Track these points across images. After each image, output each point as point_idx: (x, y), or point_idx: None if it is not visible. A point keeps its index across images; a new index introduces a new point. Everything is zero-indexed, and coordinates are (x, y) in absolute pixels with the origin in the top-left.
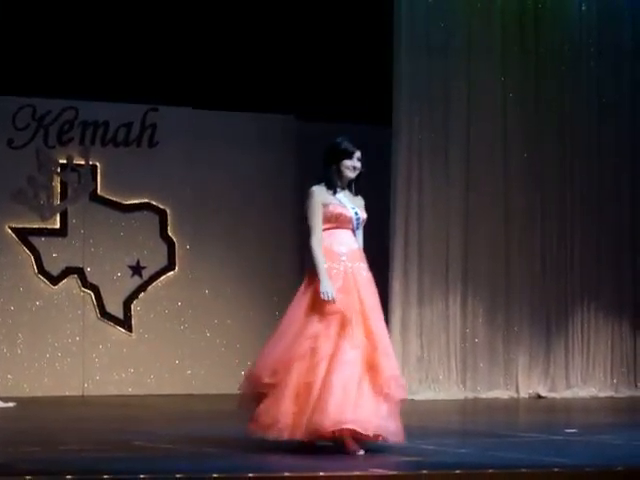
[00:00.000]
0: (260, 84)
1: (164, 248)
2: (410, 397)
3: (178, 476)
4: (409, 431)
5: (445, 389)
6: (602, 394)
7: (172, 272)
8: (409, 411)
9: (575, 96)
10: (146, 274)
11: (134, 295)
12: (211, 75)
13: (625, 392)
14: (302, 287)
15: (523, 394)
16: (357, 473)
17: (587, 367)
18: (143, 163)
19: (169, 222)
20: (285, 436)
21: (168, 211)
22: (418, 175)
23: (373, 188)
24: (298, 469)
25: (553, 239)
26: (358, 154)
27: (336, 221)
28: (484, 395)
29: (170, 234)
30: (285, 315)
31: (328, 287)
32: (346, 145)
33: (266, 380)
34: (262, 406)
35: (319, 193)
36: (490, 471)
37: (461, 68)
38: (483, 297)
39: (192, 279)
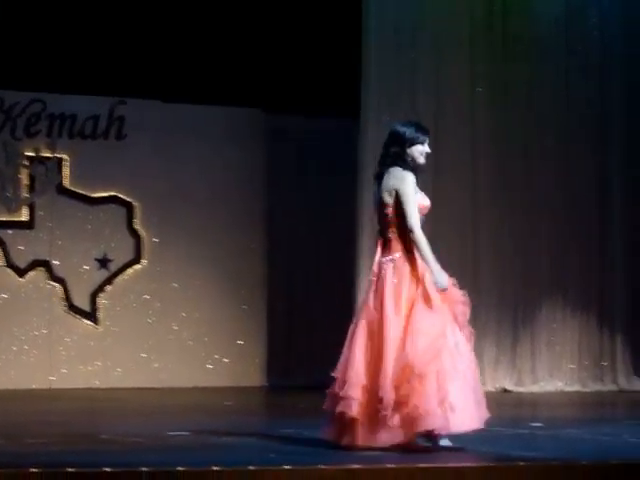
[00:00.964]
0: (228, 77)
1: (131, 241)
2: None
3: (143, 469)
4: None
5: None
6: (569, 388)
7: (139, 265)
8: None
9: (544, 90)
10: (113, 267)
11: (101, 288)
12: (179, 68)
13: (592, 386)
14: (392, 278)
15: (490, 388)
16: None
17: (554, 361)
18: (111, 156)
19: (136, 215)
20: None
21: (135, 204)
22: None
23: (340, 181)
24: (262, 463)
25: (521, 234)
26: (428, 139)
27: (420, 212)
28: None
29: (137, 227)
30: (384, 312)
31: (443, 276)
32: (421, 130)
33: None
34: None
35: (414, 179)
36: (451, 465)
37: (429, 63)
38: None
39: (159, 272)
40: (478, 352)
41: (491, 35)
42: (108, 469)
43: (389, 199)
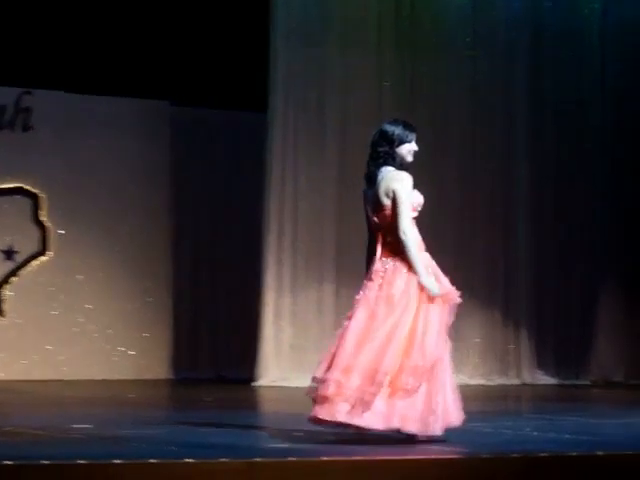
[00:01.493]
0: (135, 69)
1: (37, 233)
2: (284, 384)
3: (44, 462)
4: (283, 418)
5: None
6: (473, 382)
7: (45, 257)
8: (282, 398)
9: (450, 88)
10: (19, 258)
11: (6, 280)
12: (86, 59)
13: (496, 380)
14: (399, 279)
15: None
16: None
17: (459, 355)
18: (16, 147)
19: (42, 207)
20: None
21: (41, 196)
22: (293, 162)
23: (247, 174)
24: (164, 457)
25: (425, 232)
26: (415, 137)
27: (414, 210)
28: None
29: (43, 219)
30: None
31: (432, 282)
32: (408, 128)
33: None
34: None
35: (411, 180)
36: (355, 458)
37: (337, 55)
38: (357, 285)
39: (65, 264)
40: None
41: (398, 29)
42: (9, 462)
43: (386, 200)
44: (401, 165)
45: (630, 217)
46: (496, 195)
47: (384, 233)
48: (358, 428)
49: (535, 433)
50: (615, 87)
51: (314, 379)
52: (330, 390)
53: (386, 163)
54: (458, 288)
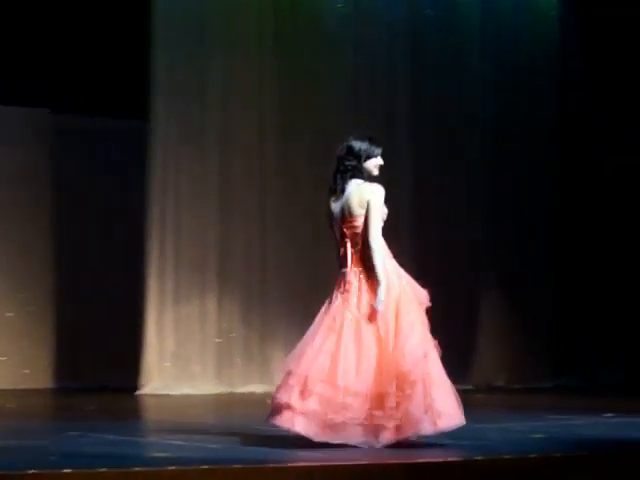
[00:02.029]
0: (14, 77)
1: None
2: (166, 393)
3: None
4: (161, 427)
5: (201, 385)
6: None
7: None
8: (165, 407)
9: (332, 93)
10: None
11: None
12: None
13: None
14: (360, 289)
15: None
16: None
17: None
18: None
19: None
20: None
21: None
22: (175, 170)
23: (130, 183)
24: (43, 467)
25: (309, 239)
26: (381, 152)
27: (382, 221)
28: (240, 390)
29: None
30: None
31: (382, 297)
32: (375, 143)
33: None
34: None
35: (383, 193)
36: (236, 466)
37: (218, 62)
38: (239, 294)
39: None
40: (268, 354)
41: (279, 35)
42: None
43: (360, 210)
44: (367, 178)
45: (510, 218)
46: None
47: (353, 243)
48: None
49: (415, 438)
50: (495, 85)
51: (297, 386)
52: (348, 417)
53: (354, 177)
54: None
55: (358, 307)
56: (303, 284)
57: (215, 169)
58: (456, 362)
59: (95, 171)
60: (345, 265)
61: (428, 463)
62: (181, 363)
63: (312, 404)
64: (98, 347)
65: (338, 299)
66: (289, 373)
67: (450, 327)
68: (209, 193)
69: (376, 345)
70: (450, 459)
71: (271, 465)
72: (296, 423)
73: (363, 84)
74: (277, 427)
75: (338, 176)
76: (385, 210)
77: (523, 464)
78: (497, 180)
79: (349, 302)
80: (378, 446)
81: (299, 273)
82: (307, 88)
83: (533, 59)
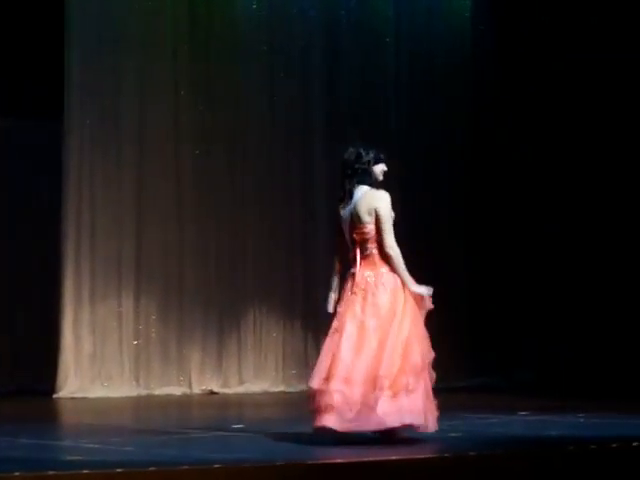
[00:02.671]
0: None
1: None
2: (83, 395)
3: None
4: (77, 430)
5: (118, 387)
6: (274, 389)
7: None
8: (81, 409)
9: (248, 95)
10: None
11: None
12: None
13: (296, 386)
14: (384, 289)
15: (196, 390)
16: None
17: (259, 363)
18: None
19: None
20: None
21: None
22: (90, 172)
23: (45, 184)
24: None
25: (226, 240)
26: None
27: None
28: (158, 392)
29: None
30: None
31: (421, 287)
32: (378, 151)
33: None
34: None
35: (390, 199)
36: (151, 469)
37: (133, 66)
38: (156, 295)
39: None
40: (185, 355)
41: (194, 38)
42: None
43: (368, 217)
44: (373, 183)
45: (422, 217)
46: (295, 208)
47: (362, 248)
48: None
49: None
50: (408, 89)
51: (312, 391)
52: (335, 399)
53: (362, 182)
54: (258, 296)
55: (363, 308)
56: (219, 285)
57: (131, 169)
58: None
59: (10, 172)
60: (354, 268)
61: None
62: (98, 365)
63: (328, 399)
64: (14, 350)
65: (344, 300)
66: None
67: None
68: (125, 193)
69: (377, 339)
70: (365, 459)
71: (186, 467)
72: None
73: (278, 86)
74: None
75: (346, 180)
76: (392, 214)
77: (439, 463)
78: (407, 181)
79: (355, 303)
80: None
81: (216, 273)
82: (223, 89)
83: (447, 59)
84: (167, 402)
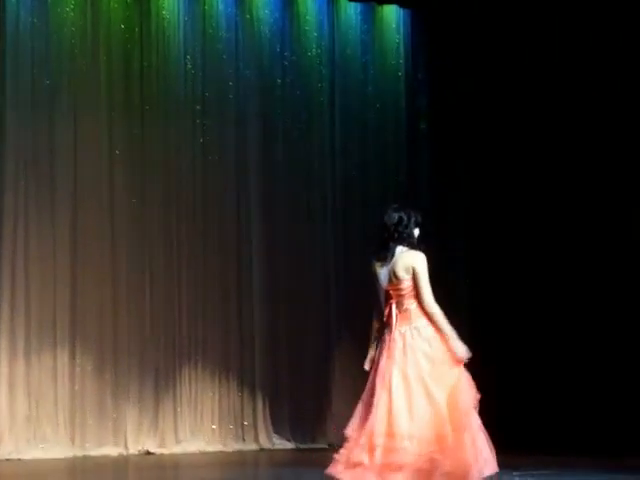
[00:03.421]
0: None
1: None
2: (18, 457)
3: None
4: None
5: (54, 447)
6: (211, 448)
7: None
8: (16, 473)
9: (180, 149)
10: None
11: None
12: None
13: (233, 446)
14: (423, 342)
15: (133, 450)
16: None
17: (196, 422)
18: None
19: None
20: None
21: None
22: (24, 226)
23: None
24: None
25: (160, 296)
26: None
27: None
28: (94, 452)
29: None
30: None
31: (462, 346)
32: (417, 214)
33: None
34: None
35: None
36: None
37: (67, 124)
38: (92, 354)
39: None
40: (121, 414)
41: (128, 97)
42: None
43: (406, 275)
44: (410, 244)
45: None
46: (230, 257)
47: (398, 304)
48: None
49: None
50: (344, 145)
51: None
52: (405, 458)
53: (402, 242)
54: (192, 354)
55: (404, 363)
56: (154, 341)
57: (65, 226)
58: (310, 421)
59: None
60: (390, 325)
61: None
62: (33, 425)
63: (378, 457)
64: None
65: (384, 358)
66: (357, 434)
67: (303, 387)
68: (58, 250)
69: (425, 396)
70: None
71: None
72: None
73: (212, 144)
74: None
75: (391, 243)
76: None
77: None
78: (344, 232)
79: (395, 359)
80: None
81: (151, 330)
82: (157, 148)
83: (382, 118)
84: (103, 464)
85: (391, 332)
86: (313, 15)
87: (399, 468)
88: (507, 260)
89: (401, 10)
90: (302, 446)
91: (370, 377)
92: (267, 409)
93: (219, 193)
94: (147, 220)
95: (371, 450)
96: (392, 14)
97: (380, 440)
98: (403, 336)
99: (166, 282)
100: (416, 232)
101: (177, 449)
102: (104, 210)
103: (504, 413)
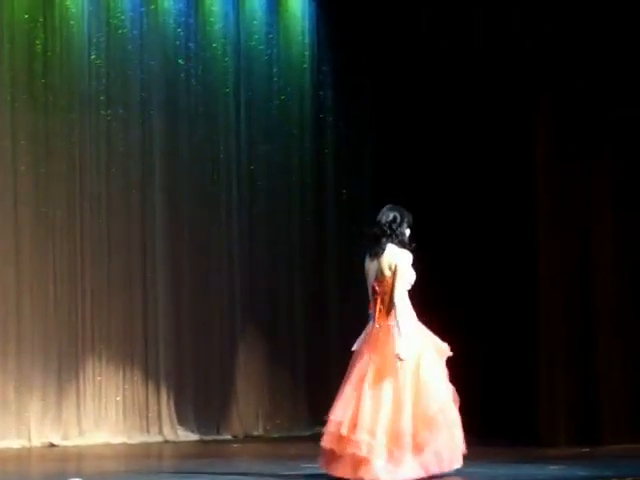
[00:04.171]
0: None
1: None
2: None
3: None
4: None
5: None
6: (115, 440)
7: None
8: None
9: (84, 145)
10: None
11: None
12: None
13: (137, 438)
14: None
15: (36, 443)
16: None
17: (100, 414)
18: None
19: None
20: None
21: None
22: None
23: None
24: None
25: (65, 286)
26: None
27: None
28: None
29: None
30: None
31: (405, 348)
32: (409, 215)
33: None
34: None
35: (410, 258)
36: None
37: None
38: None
39: None
40: (24, 406)
41: (32, 89)
42: None
43: (388, 272)
44: (399, 243)
45: (267, 267)
46: (134, 249)
47: (382, 299)
48: None
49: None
50: (248, 140)
51: (335, 433)
52: (364, 451)
53: (393, 240)
54: (97, 346)
55: (382, 357)
56: (58, 332)
57: None
58: (214, 412)
59: None
60: (374, 319)
61: None
62: None
63: (346, 447)
64: None
65: (364, 351)
66: (330, 421)
67: (208, 378)
68: None
69: (392, 391)
70: None
71: None
72: (336, 467)
73: (117, 135)
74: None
75: (383, 240)
76: (413, 274)
77: None
78: (249, 224)
79: (374, 353)
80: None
81: (55, 321)
82: (61, 138)
83: (287, 109)
84: (5, 456)
85: (373, 327)
86: (218, 6)
87: (360, 461)
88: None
89: (306, 2)
90: (206, 438)
91: (350, 367)
92: (171, 401)
93: (124, 184)
94: (50, 213)
95: (340, 439)
96: (297, 5)
97: (346, 431)
98: (384, 331)
99: (70, 274)
100: (407, 232)
101: (81, 441)
102: (6, 200)
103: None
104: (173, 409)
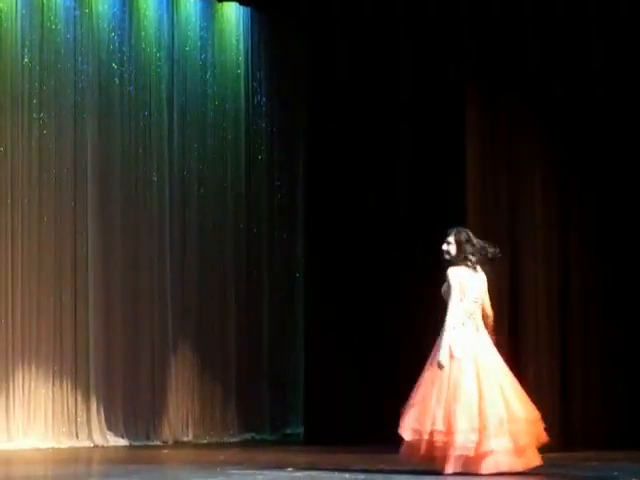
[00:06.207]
0: None
1: None
2: None
3: None
4: None
5: None
6: (43, 445)
7: None
8: None
9: (16, 143)
10: None
11: None
12: None
13: (66, 442)
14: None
15: None
16: None
17: (29, 419)
18: None
19: None
20: None
21: None
22: None
23: None
24: None
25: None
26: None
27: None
28: None
29: None
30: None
31: (443, 355)
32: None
33: None
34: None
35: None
36: None
37: None
38: None
39: None
40: None
41: None
42: None
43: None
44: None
45: (203, 267)
46: (65, 255)
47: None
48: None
49: None
50: (179, 147)
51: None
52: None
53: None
54: (22, 354)
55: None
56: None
57: None
58: (144, 418)
59: None
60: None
61: None
62: None
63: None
64: None
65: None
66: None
67: (138, 383)
68: None
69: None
70: None
71: None
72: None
73: (49, 139)
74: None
75: (473, 259)
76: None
77: None
78: (182, 230)
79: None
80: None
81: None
82: None
83: (221, 115)
84: None
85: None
86: (152, 10)
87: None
88: (345, 257)
89: (241, 8)
90: (135, 443)
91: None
92: (101, 406)
93: (55, 189)
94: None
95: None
96: (232, 12)
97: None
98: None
99: (0, 282)
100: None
101: (9, 446)
102: None
103: None
104: (103, 415)
